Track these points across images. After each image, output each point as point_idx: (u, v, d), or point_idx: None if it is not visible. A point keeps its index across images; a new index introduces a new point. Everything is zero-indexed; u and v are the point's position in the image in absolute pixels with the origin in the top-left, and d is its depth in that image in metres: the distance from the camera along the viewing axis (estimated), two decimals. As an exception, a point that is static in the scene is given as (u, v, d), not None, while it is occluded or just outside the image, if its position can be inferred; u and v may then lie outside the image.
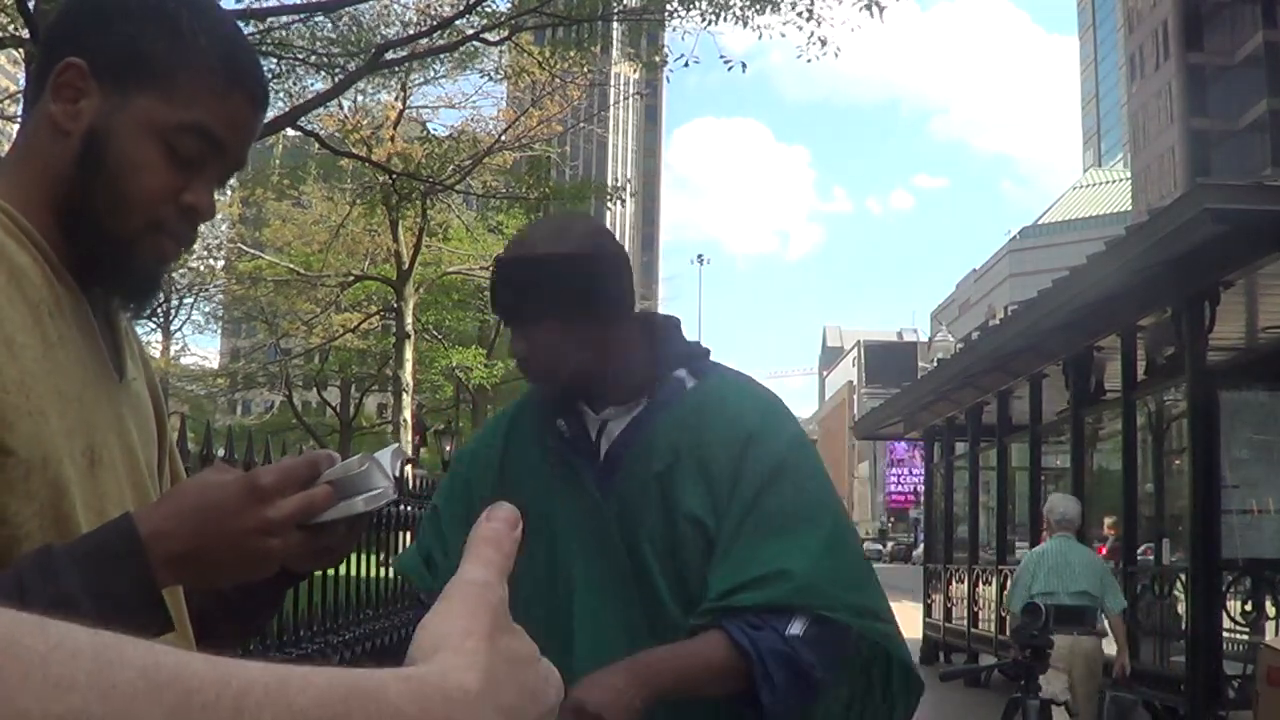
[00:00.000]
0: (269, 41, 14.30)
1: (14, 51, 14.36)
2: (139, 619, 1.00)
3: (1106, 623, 6.90)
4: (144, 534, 1.00)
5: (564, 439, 1.87)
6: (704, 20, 14.57)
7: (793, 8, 14.16)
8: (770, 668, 1.71)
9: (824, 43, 14.21)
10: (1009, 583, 11.65)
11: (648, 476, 1.80)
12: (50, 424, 1.05)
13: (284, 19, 14.33)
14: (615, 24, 17.43)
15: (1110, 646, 6.98)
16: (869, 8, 14.20)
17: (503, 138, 21.98)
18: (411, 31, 16.10)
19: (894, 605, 1.92)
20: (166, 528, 1.01)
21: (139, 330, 1.34)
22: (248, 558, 1.03)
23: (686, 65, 15.13)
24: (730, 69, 14.49)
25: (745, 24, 14.36)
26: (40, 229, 1.12)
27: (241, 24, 1.20)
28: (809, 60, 14.33)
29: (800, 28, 14.15)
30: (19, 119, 13.25)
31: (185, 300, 29.99)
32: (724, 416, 1.82)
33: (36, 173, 1.14)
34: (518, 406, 1.99)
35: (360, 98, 20.37)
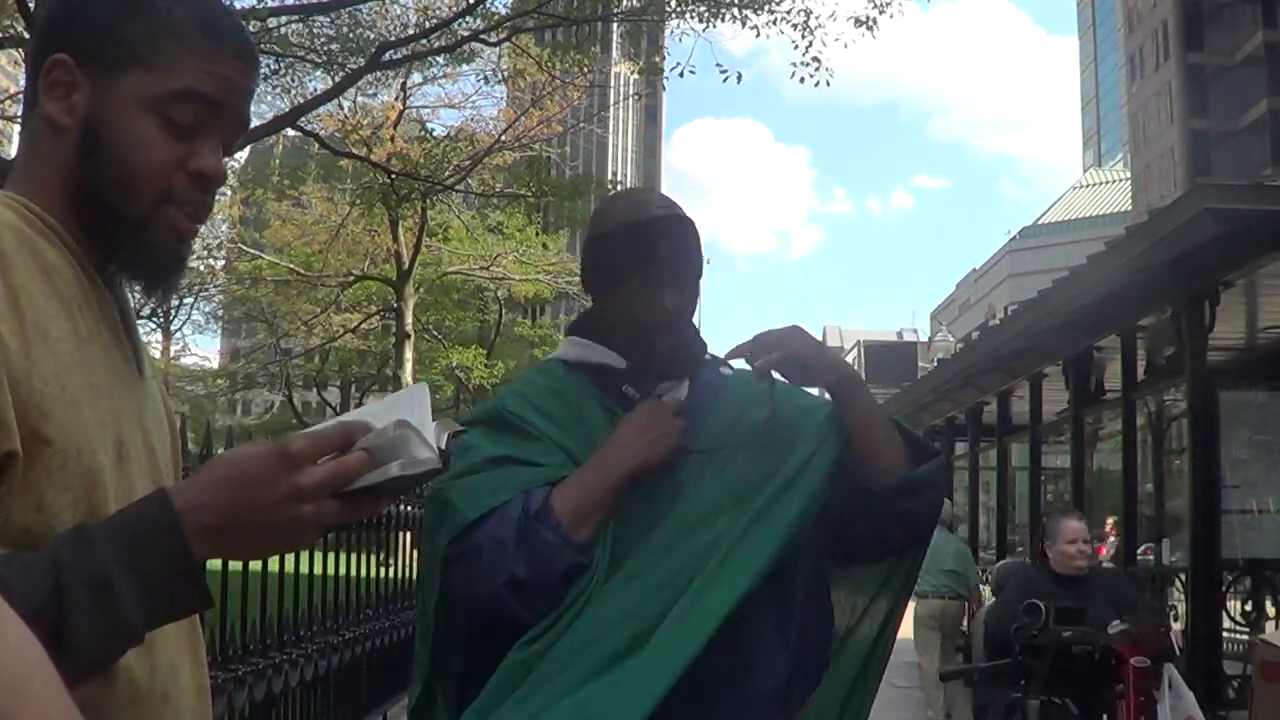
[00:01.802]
0: (269, 41, 14.30)
1: (14, 52, 14.36)
2: (177, 593, 1.03)
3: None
4: (178, 507, 1.02)
5: (632, 401, 1.89)
6: (702, 22, 14.58)
7: (786, 19, 14.18)
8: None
9: (819, 62, 14.21)
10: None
11: (728, 443, 1.85)
12: (84, 416, 1.07)
13: (284, 19, 14.34)
14: (614, 25, 17.43)
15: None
16: (865, 24, 14.25)
17: (503, 138, 21.99)
18: (411, 32, 16.10)
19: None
20: (201, 500, 1.03)
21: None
22: (282, 526, 1.04)
23: (683, 75, 15.13)
24: (726, 79, 14.51)
25: (744, 24, 14.37)
26: (64, 227, 1.14)
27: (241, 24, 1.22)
28: (802, 80, 14.35)
29: (795, 44, 14.17)
30: (19, 119, 13.29)
31: (185, 300, 29.97)
32: (795, 403, 1.91)
33: (47, 173, 1.16)
34: (530, 386, 1.93)
35: (360, 98, 20.38)
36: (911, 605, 8.74)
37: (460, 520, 1.71)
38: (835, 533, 1.84)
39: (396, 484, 1.07)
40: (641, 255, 1.84)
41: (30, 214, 1.12)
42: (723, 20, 14.48)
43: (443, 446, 1.08)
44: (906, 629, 10.04)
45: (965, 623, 9.35)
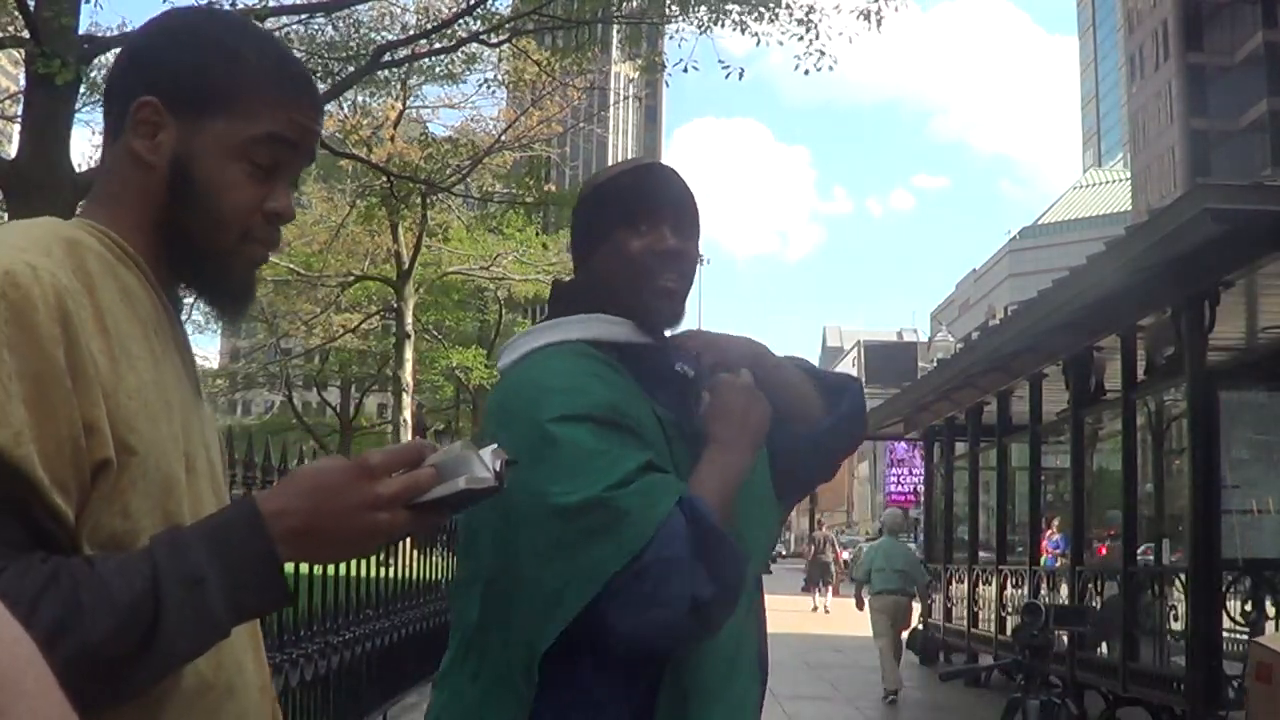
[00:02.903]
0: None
1: (14, 52, 14.36)
2: (261, 592, 1.13)
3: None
4: (265, 512, 1.11)
5: (689, 380, 1.78)
6: (701, 28, 14.56)
7: (789, 14, 14.14)
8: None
9: (823, 53, 14.17)
10: (1008, 583, 11.84)
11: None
12: (161, 430, 1.17)
13: (283, 20, 14.32)
14: (614, 27, 17.42)
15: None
16: (868, 18, 14.20)
17: (503, 138, 21.98)
18: (411, 33, 16.09)
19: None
20: (285, 505, 1.12)
21: None
22: (359, 532, 1.13)
23: (686, 71, 15.10)
24: (729, 76, 14.48)
25: (743, 30, 14.34)
26: (141, 255, 1.23)
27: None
28: (806, 72, 14.30)
29: (801, 37, 14.12)
30: (18, 119, 13.29)
31: (185, 300, 29.97)
32: None
33: (129, 204, 1.25)
34: (604, 378, 1.68)
35: (360, 98, 20.36)
36: (870, 600, 11.62)
37: (639, 538, 1.52)
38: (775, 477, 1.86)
39: (460, 499, 1.17)
40: (638, 197, 1.76)
41: (110, 241, 1.21)
42: (722, 26, 14.45)
43: (498, 470, 1.17)
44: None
45: (914, 616, 12.02)
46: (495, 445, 1.20)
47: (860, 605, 11.91)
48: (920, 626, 12.03)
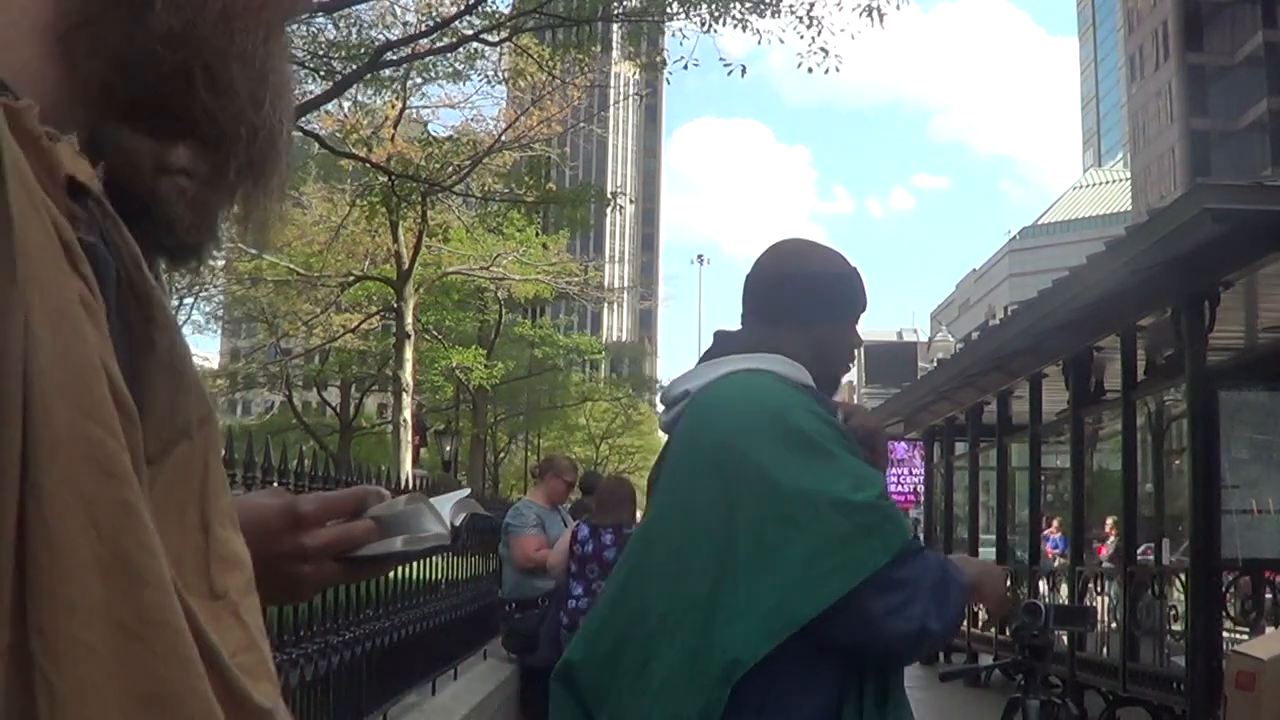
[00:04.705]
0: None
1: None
2: None
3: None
4: None
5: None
6: (703, 26, 14.56)
7: (791, 10, 14.15)
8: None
9: (826, 52, 14.17)
10: (1006, 582, 11.92)
11: None
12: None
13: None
14: (615, 25, 17.41)
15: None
16: (870, 14, 14.19)
17: (503, 138, 21.96)
18: (411, 32, 16.08)
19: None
20: None
21: None
22: (280, 581, 1.05)
23: (686, 68, 15.12)
24: (730, 73, 14.47)
25: (745, 28, 14.35)
26: None
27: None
28: (809, 70, 14.29)
29: (801, 35, 14.13)
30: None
31: (185, 300, 29.93)
32: None
33: None
34: (780, 382, 1.98)
35: (360, 97, 20.34)
36: None
37: (900, 541, 1.75)
38: None
39: (400, 557, 1.09)
40: (863, 302, 2.16)
41: None
42: (724, 25, 14.44)
43: (455, 524, 1.10)
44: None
45: None
46: (468, 493, 1.13)
47: None
48: None
